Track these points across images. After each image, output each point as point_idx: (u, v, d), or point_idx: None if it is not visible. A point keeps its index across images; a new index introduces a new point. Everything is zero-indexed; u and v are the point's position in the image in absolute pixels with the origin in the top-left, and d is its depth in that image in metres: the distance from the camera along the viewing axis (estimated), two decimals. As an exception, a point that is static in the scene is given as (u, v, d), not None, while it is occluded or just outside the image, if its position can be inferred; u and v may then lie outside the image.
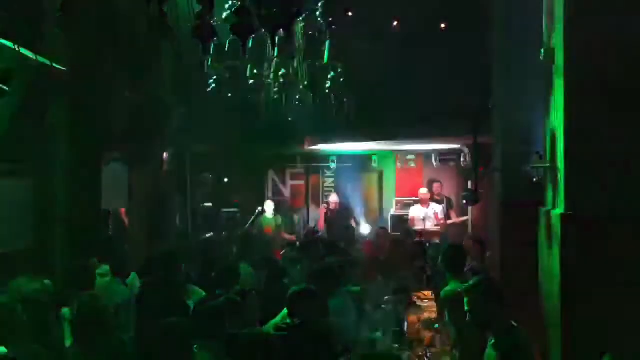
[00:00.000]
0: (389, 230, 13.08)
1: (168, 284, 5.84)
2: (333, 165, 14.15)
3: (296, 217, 14.04)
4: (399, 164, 14.29)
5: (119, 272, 6.20)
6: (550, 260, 4.99)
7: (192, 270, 7.18)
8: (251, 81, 7.01)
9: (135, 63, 7.73)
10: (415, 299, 7.04)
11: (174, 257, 6.18)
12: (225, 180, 13.77)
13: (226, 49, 6.45)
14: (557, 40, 4.93)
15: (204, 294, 5.93)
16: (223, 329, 4.47)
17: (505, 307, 4.26)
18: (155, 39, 6.56)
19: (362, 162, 14.46)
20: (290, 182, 14.87)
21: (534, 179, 5.51)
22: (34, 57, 4.97)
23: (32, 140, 6.41)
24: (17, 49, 5.19)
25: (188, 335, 4.16)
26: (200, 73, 7.25)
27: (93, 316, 4.34)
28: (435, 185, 12.76)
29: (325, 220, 12.45)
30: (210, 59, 6.69)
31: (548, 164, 5.19)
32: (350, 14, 9.70)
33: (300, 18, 6.17)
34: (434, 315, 6.31)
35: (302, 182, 14.81)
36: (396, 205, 13.98)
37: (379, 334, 5.75)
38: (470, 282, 4.50)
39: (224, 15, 5.64)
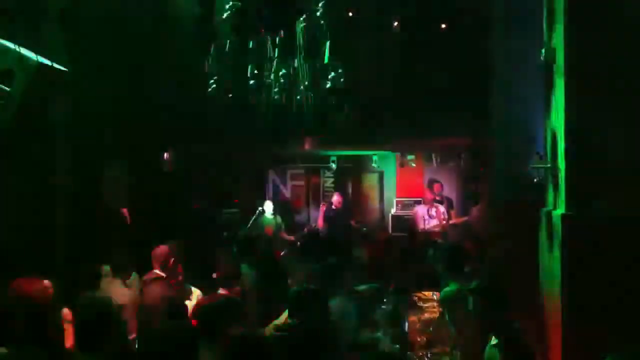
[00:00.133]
0: (390, 231, 13.09)
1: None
2: (333, 166, 14.15)
3: (297, 218, 14.05)
4: (399, 164, 14.29)
5: (119, 273, 6.21)
6: (551, 261, 4.98)
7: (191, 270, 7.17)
8: (252, 81, 7.02)
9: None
10: (415, 299, 7.03)
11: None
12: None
13: (226, 49, 6.46)
14: (557, 40, 4.93)
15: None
16: (223, 329, 4.46)
17: (507, 308, 4.28)
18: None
19: (363, 162, 14.47)
20: (290, 183, 14.87)
21: (535, 180, 5.51)
22: (34, 57, 4.96)
23: (32, 140, 6.40)
24: (17, 49, 5.17)
25: (193, 339, 4.15)
26: (201, 73, 7.25)
27: (97, 317, 4.33)
28: (436, 186, 12.76)
29: (326, 220, 12.44)
30: (210, 59, 6.70)
31: (549, 165, 5.18)
32: (350, 14, 9.71)
33: (301, 18, 6.17)
34: (434, 315, 6.30)
35: (302, 183, 14.82)
36: (397, 205, 13.98)
37: (379, 334, 5.74)
38: (476, 283, 4.50)
39: (224, 15, 5.65)
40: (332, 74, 7.23)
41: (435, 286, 6.76)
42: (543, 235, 5.39)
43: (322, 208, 12.76)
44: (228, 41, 6.29)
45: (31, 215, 6.63)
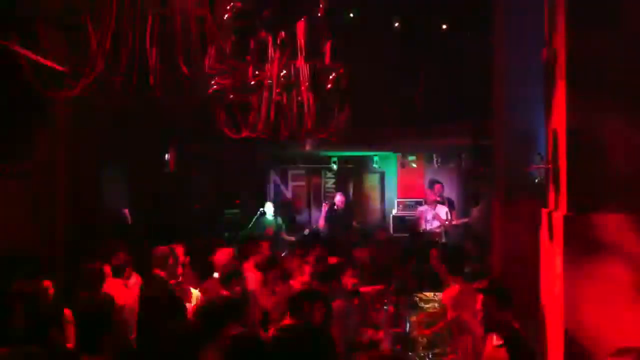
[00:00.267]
0: (391, 231, 13.08)
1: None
2: (334, 167, 14.14)
3: (298, 218, 14.05)
4: (400, 165, 14.29)
5: (119, 272, 6.21)
6: (552, 261, 4.97)
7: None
8: (252, 82, 7.00)
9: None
10: (416, 299, 7.03)
11: None
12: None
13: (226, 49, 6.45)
14: (558, 40, 4.92)
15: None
16: (223, 329, 4.46)
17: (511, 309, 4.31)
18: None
19: (364, 162, 14.46)
20: (291, 184, 14.87)
21: (535, 180, 5.50)
22: (34, 58, 4.96)
23: (32, 140, 6.41)
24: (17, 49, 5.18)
25: (195, 339, 4.15)
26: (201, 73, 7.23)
27: (97, 317, 4.33)
28: (437, 186, 12.75)
29: (328, 220, 12.44)
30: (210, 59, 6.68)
31: (549, 165, 5.18)
32: (351, 14, 9.72)
33: (302, 18, 6.17)
34: (434, 315, 6.30)
35: (303, 184, 14.81)
36: (398, 206, 13.98)
37: (380, 334, 5.74)
38: (485, 282, 4.51)
39: (225, 15, 5.64)
40: (333, 74, 7.21)
41: (436, 286, 6.77)
42: (543, 235, 5.38)
43: (325, 208, 12.76)
44: (228, 41, 6.28)
45: (31, 215, 6.64)
